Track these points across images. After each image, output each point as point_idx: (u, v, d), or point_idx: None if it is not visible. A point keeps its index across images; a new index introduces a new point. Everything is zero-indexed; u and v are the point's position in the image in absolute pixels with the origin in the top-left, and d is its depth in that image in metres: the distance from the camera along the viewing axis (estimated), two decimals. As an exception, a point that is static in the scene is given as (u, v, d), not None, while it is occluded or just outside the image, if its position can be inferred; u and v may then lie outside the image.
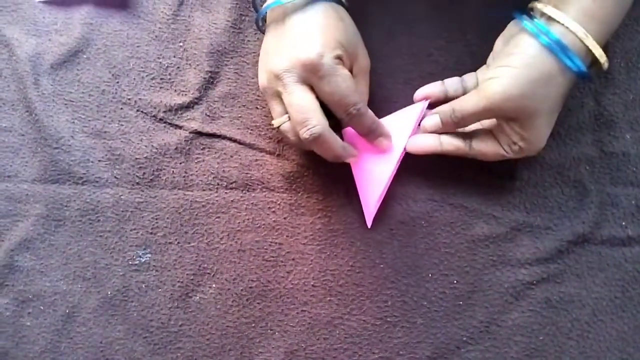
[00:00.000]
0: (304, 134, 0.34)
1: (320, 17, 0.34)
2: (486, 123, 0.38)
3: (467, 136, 0.38)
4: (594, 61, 0.33)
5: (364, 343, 0.39)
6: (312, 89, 0.34)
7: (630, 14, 0.43)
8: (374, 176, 0.39)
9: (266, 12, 0.36)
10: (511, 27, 0.37)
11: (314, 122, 0.34)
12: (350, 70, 0.36)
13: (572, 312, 0.39)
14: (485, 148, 0.36)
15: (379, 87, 0.43)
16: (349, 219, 0.41)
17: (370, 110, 0.37)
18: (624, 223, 0.40)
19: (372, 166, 0.40)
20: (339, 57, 0.34)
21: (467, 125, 0.37)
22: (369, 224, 0.40)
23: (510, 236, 0.40)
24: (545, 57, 0.32)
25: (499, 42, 0.37)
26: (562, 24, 0.31)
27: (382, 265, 0.40)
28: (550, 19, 0.32)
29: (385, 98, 0.43)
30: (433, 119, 0.38)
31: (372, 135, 0.38)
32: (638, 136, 0.41)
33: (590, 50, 0.32)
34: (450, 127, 0.37)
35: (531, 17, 0.34)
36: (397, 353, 0.39)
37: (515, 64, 0.32)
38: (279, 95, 0.35)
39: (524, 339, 0.39)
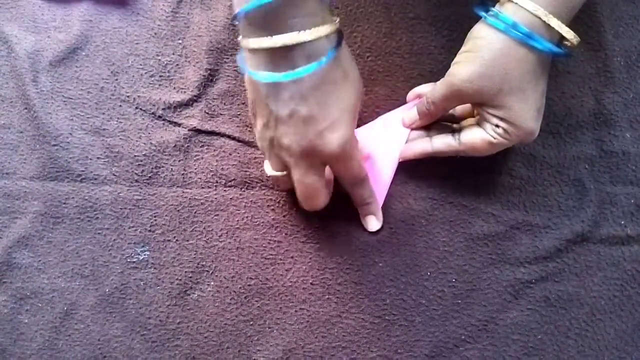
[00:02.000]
0: (308, 207, 0.36)
1: (336, 87, 0.31)
2: (460, 110, 0.39)
3: (456, 132, 0.38)
4: (563, 37, 0.33)
5: (362, 341, 0.39)
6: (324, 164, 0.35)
7: (629, 12, 0.43)
8: (377, 176, 0.39)
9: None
10: None
11: (321, 201, 0.36)
12: None
13: (571, 311, 0.39)
14: (473, 138, 0.36)
15: (379, 85, 0.43)
16: (348, 217, 0.41)
17: (370, 184, 0.38)
18: (623, 222, 0.40)
19: (374, 167, 0.40)
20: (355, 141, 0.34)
21: (441, 114, 0.38)
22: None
23: (509, 235, 0.40)
24: (496, 37, 0.32)
25: (468, 34, 0.38)
26: (512, 2, 0.32)
27: (380, 264, 0.40)
28: (505, 1, 0.33)
29: (385, 96, 0.43)
30: (411, 113, 0.40)
31: (364, 208, 0.39)
32: (638, 135, 0.41)
33: (547, 24, 0.32)
34: (427, 118, 0.39)
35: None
36: (395, 351, 0.39)
37: (471, 48, 0.34)
38: (281, 158, 0.34)
39: (523, 337, 0.39)
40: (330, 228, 0.41)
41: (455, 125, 0.40)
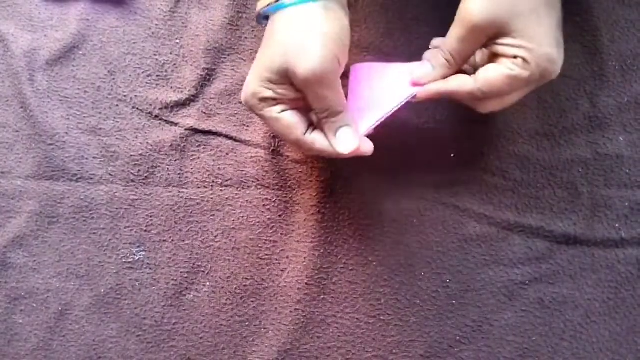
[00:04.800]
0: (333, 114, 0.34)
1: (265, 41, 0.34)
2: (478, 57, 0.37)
3: (470, 71, 0.36)
4: None
5: (357, 342, 0.39)
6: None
7: (626, 17, 0.43)
8: (370, 107, 0.36)
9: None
10: None
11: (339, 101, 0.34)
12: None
13: (565, 313, 0.39)
14: (490, 74, 0.33)
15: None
16: (342, 216, 0.41)
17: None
18: (617, 225, 0.40)
19: (369, 99, 0.36)
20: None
21: (464, 61, 0.35)
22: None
23: (502, 236, 0.40)
24: None
25: None
26: None
27: (374, 263, 0.40)
28: None
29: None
30: (424, 67, 0.35)
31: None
32: (632, 138, 0.41)
33: None
34: (445, 69, 0.35)
35: None
36: (390, 352, 0.39)
37: None
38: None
39: (517, 339, 0.39)
40: (324, 227, 0.41)
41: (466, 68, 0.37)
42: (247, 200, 0.41)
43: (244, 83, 0.43)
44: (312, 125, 0.35)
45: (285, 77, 0.33)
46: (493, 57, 0.35)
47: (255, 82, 0.34)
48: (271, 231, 0.41)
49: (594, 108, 0.42)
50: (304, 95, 0.34)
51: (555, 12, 0.33)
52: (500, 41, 0.33)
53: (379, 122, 0.35)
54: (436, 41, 0.38)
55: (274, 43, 0.33)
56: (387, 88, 0.36)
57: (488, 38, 0.34)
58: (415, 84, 0.36)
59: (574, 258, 0.40)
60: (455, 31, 0.34)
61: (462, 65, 0.36)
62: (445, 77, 0.35)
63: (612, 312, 0.39)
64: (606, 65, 0.42)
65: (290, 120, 0.34)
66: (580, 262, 0.40)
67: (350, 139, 0.34)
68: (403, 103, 0.35)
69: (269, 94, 0.33)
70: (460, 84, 0.35)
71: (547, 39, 0.33)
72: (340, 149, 0.34)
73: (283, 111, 0.34)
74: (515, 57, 0.33)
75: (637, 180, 0.41)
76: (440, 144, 0.42)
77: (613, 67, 0.42)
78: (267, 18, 0.35)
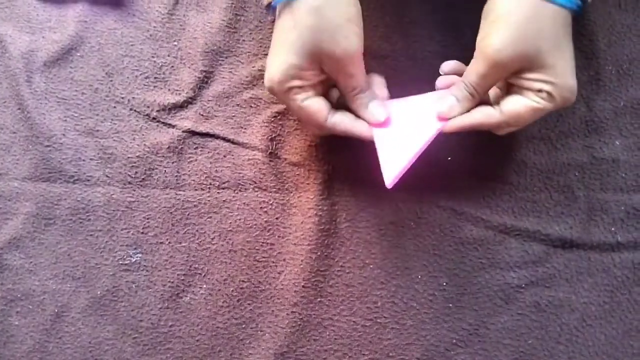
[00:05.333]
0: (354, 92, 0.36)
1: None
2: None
3: (494, 102, 0.37)
4: None
5: (354, 344, 0.39)
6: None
7: (622, 21, 0.43)
8: (403, 141, 0.37)
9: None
10: None
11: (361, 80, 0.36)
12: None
13: (561, 317, 0.40)
14: (516, 107, 0.34)
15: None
16: (339, 219, 0.41)
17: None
18: (613, 229, 0.41)
19: (401, 133, 0.37)
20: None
21: (485, 93, 0.36)
22: (389, 184, 0.36)
23: (499, 239, 0.41)
24: (523, 1, 0.32)
25: (484, 10, 0.37)
26: None
27: (371, 266, 0.40)
28: None
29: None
30: (448, 101, 0.36)
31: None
32: (628, 142, 0.42)
33: None
34: (469, 102, 0.36)
35: None
36: (386, 355, 0.39)
37: (496, 17, 0.33)
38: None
39: (513, 342, 0.39)
40: (321, 230, 0.41)
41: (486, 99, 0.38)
42: (244, 203, 0.42)
43: (241, 85, 0.44)
44: (332, 109, 0.37)
45: (314, 61, 0.34)
46: (511, 86, 0.35)
47: (280, 69, 0.34)
48: (268, 234, 0.41)
49: (590, 112, 0.42)
50: (329, 78, 0.35)
51: (571, 40, 0.34)
52: (524, 75, 0.34)
53: (412, 162, 0.37)
54: (446, 67, 0.39)
55: (301, 29, 0.33)
56: (413, 125, 0.37)
57: (510, 73, 0.34)
58: (441, 119, 0.37)
59: (570, 261, 0.40)
60: (477, 66, 0.34)
61: (483, 96, 0.36)
62: (469, 109, 0.36)
63: (607, 315, 0.40)
64: (602, 70, 0.43)
65: (314, 107, 0.35)
66: (576, 265, 0.40)
67: (382, 109, 0.37)
68: (431, 139, 0.36)
69: (295, 82, 0.34)
70: (487, 116, 0.36)
71: (568, 70, 0.34)
72: (376, 117, 0.36)
73: (307, 99, 0.35)
74: (540, 90, 0.33)
75: (633, 184, 0.41)
76: (437, 147, 0.42)
77: (609, 72, 0.42)
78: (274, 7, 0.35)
